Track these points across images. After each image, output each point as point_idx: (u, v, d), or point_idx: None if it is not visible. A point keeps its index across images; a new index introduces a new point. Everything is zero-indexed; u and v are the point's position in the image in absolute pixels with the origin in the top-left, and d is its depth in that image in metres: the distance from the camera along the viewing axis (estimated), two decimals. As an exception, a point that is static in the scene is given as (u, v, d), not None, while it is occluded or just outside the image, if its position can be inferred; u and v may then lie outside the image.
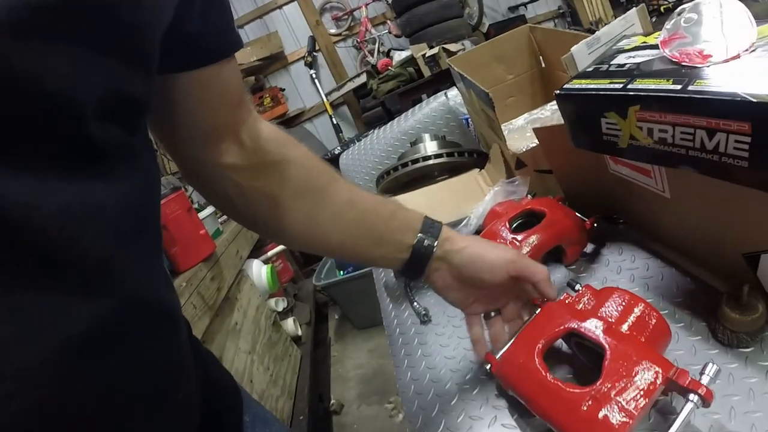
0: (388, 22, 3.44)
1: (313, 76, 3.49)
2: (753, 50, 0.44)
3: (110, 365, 0.29)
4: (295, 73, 3.61)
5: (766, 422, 0.45)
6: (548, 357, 0.56)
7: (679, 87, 0.45)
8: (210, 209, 1.94)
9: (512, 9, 3.99)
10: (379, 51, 3.39)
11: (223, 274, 1.69)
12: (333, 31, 3.56)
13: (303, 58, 3.51)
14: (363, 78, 3.00)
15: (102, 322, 0.28)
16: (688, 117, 0.44)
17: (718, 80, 0.43)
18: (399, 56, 2.79)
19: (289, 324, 2.24)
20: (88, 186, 0.28)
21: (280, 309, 2.23)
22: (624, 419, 0.43)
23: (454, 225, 0.86)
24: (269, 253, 2.40)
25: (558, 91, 0.60)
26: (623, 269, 0.71)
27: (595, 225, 0.76)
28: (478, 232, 0.81)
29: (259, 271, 2.15)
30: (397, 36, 3.30)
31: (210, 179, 0.50)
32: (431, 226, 0.57)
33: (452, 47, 2.42)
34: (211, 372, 0.49)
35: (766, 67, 0.41)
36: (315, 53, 3.52)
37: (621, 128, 0.53)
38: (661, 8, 3.16)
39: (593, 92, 0.55)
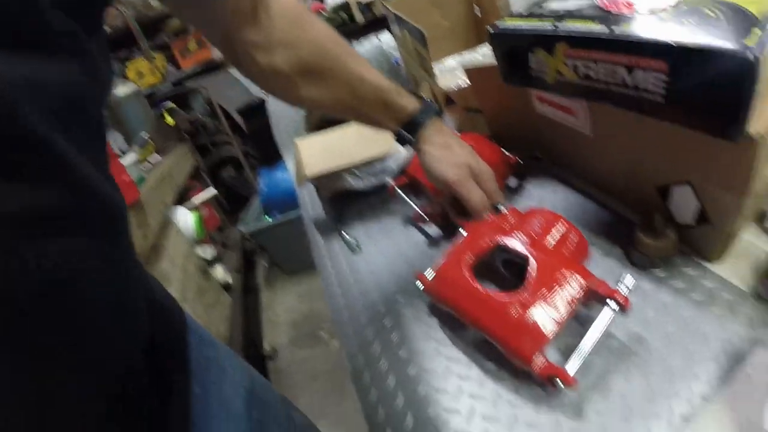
0: (322, -36, 3.30)
1: (242, 18, 3.32)
2: (676, 6, 0.48)
3: (54, 248, 0.29)
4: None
5: (679, 333, 0.51)
6: (483, 277, 0.60)
7: (605, 29, 0.48)
8: (132, 156, 1.85)
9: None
10: (312, -5, 3.26)
11: (148, 221, 1.64)
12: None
13: (233, 0, 3.32)
14: (295, 22, 2.90)
15: (43, 202, 0.28)
16: (612, 55, 0.48)
17: (640, 26, 0.46)
18: (333, 1, 2.70)
19: (219, 271, 2.22)
20: (34, 65, 0.28)
21: (208, 257, 2.20)
22: (551, 321, 0.47)
23: (383, 158, 0.88)
24: (195, 200, 2.33)
25: (490, 29, 0.63)
26: (545, 202, 0.76)
27: (520, 161, 0.80)
28: (406, 165, 0.83)
29: (185, 218, 2.10)
30: (331, -20, 3.19)
31: (239, 57, 0.57)
32: (415, 121, 0.66)
33: (387, -7, 2.38)
34: (155, 292, 0.50)
35: (686, 20, 0.44)
36: None
37: (548, 65, 0.57)
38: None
39: (524, 30, 0.58)
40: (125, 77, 2.79)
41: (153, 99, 2.82)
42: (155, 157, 2.19)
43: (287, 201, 2.23)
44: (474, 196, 0.63)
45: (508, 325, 0.49)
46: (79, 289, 0.31)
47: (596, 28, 0.49)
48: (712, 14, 0.44)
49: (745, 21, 0.42)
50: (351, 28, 2.46)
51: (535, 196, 0.78)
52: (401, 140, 0.68)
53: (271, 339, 2.31)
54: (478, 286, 0.53)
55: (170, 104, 2.66)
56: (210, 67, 3.32)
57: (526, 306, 0.49)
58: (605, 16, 0.51)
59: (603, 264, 0.61)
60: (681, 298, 0.55)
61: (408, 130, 0.66)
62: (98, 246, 0.33)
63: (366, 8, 2.41)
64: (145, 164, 2.07)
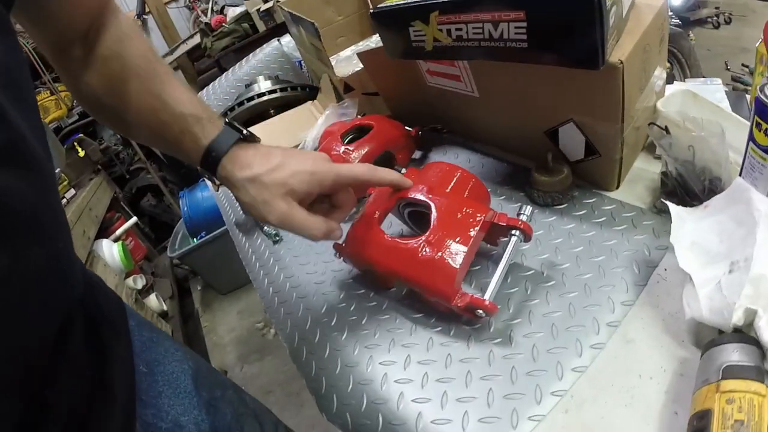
0: (222, -21, 3.28)
1: (143, 41, 3.23)
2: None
3: None
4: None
5: (587, 252, 0.57)
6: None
7: None
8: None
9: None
10: (212, 9, 3.23)
11: (72, 257, 1.57)
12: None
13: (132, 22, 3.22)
14: (196, 39, 2.86)
15: None
16: (477, 14, 0.54)
17: None
18: (233, 12, 2.69)
19: (152, 300, 2.16)
20: None
21: (139, 287, 2.13)
22: (458, 254, 0.51)
23: (294, 150, 0.90)
24: (117, 232, 2.26)
25: (372, 10, 0.68)
26: (451, 164, 0.81)
27: (420, 133, 0.85)
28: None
29: (110, 249, 2.03)
30: (231, -8, 3.17)
31: (65, 72, 0.53)
32: (222, 143, 0.52)
33: (286, 1, 2.40)
34: (94, 281, 0.51)
35: None
36: (145, 16, 3.26)
37: (425, 33, 0.62)
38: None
39: (401, 6, 0.63)
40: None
41: (60, 132, 2.69)
42: (71, 192, 2.10)
43: (211, 220, 2.20)
44: (306, 224, 0.51)
45: (420, 266, 0.53)
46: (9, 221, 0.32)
47: None
48: None
49: None
50: (254, 38, 2.46)
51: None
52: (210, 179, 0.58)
53: (219, 361, 2.26)
54: (388, 236, 0.57)
55: (80, 135, 2.55)
56: (115, 95, 3.20)
57: (432, 245, 0.53)
58: None
59: (509, 210, 0.66)
60: (584, 223, 0.61)
61: (207, 163, 0.52)
62: (28, 191, 0.34)
63: (266, 15, 2.42)
64: (63, 199, 1.98)
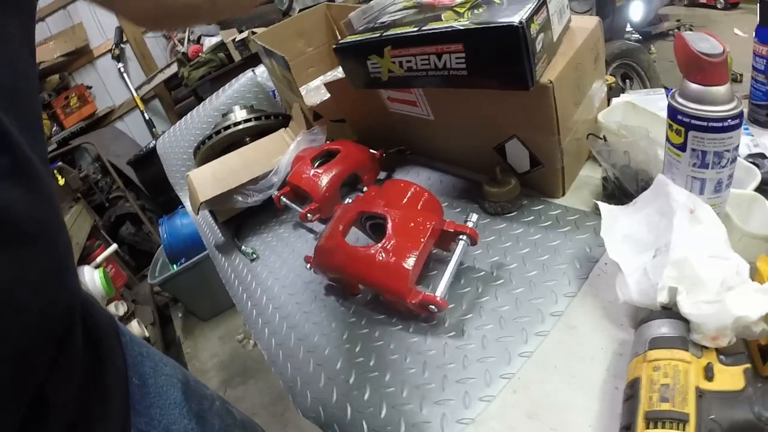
0: (196, 10, 3.33)
1: (122, 69, 3.27)
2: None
3: None
4: (102, 68, 3.34)
5: (533, 252, 0.64)
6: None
7: (416, 29, 0.63)
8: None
9: (322, -6, 4.08)
10: (189, 39, 3.30)
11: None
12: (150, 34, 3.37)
13: (110, 51, 3.26)
14: (174, 68, 2.92)
15: None
16: (423, 48, 0.63)
17: (442, 22, 0.61)
18: (209, 42, 2.77)
19: (134, 326, 2.17)
20: None
21: (121, 313, 2.15)
22: (409, 256, 0.59)
23: (267, 174, 0.97)
24: (98, 259, 2.28)
25: (335, 46, 0.76)
26: (410, 182, 0.89)
27: (384, 155, 0.92)
28: (287, 177, 0.93)
29: (92, 276, 2.05)
30: (207, 23, 3.23)
31: None
32: None
33: (261, 31, 2.48)
34: (89, 298, 0.53)
35: (477, 10, 0.60)
36: (123, 45, 3.30)
37: (381, 66, 0.70)
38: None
39: (359, 42, 0.71)
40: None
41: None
42: (50, 222, 2.12)
43: (191, 246, 2.22)
44: None
45: (378, 269, 0.60)
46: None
47: (409, 30, 0.64)
48: (498, 1, 0.60)
49: (523, 2, 0.57)
50: (230, 67, 2.53)
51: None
52: None
53: (201, 386, 2.27)
54: (349, 246, 0.64)
55: (60, 164, 2.58)
56: (94, 122, 3.23)
57: (387, 251, 0.60)
58: (420, 20, 0.65)
59: (462, 218, 0.70)
60: (531, 227, 0.68)
61: None
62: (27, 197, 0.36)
63: (242, 45, 2.50)
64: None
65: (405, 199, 0.66)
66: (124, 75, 3.26)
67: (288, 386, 0.66)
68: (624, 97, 0.82)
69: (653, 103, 0.80)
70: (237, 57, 2.55)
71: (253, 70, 1.49)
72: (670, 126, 0.51)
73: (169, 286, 2.44)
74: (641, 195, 0.55)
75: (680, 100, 0.49)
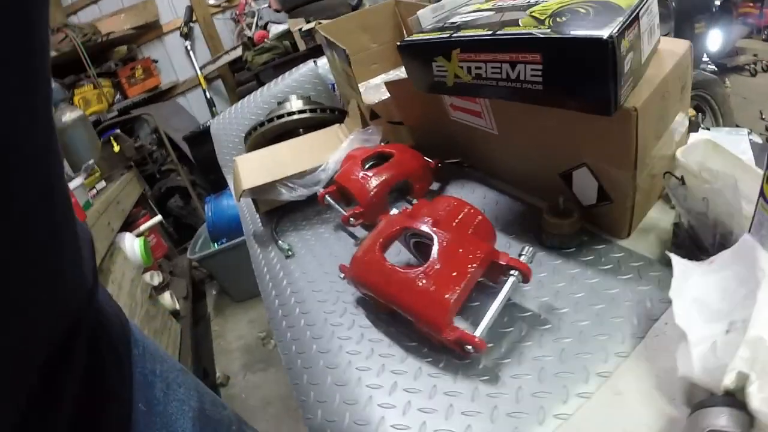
0: (270, -4, 3.39)
1: (188, 47, 3.35)
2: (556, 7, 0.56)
3: None
4: (170, 44, 3.44)
5: (588, 299, 0.57)
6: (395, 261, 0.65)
7: (489, 33, 0.57)
8: (79, 180, 1.84)
9: (392, -9, 4.06)
10: (257, 24, 3.33)
11: (95, 245, 1.62)
12: (212, 2, 3.43)
13: (179, 28, 3.35)
14: (239, 51, 2.96)
15: None
16: (496, 54, 0.56)
17: (520, 28, 0.55)
18: (276, 29, 2.78)
19: (166, 298, 2.20)
20: None
21: (155, 283, 2.18)
22: (453, 287, 0.53)
23: (314, 170, 0.93)
24: (141, 227, 2.32)
25: (399, 43, 0.71)
26: (464, 200, 0.83)
27: (440, 165, 0.87)
28: (335, 175, 0.89)
29: (132, 244, 2.09)
30: (276, 10, 3.26)
31: None
32: None
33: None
34: (100, 295, 0.47)
35: (560, 18, 0.53)
36: (192, 24, 3.38)
37: (447, 69, 0.64)
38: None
39: (425, 41, 0.66)
40: (71, 103, 2.76)
41: (99, 126, 2.80)
42: (101, 184, 2.18)
43: (234, 227, 2.24)
44: None
45: (415, 295, 0.54)
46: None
47: (482, 33, 0.58)
48: (583, 11, 0.53)
49: (611, 13, 0.50)
50: (293, 56, 2.53)
51: (456, 197, 0.85)
52: None
53: (224, 366, 2.29)
54: (388, 263, 0.59)
55: (117, 131, 2.65)
56: (156, 95, 3.33)
57: (429, 276, 0.54)
58: (494, 23, 0.59)
59: (517, 249, 0.67)
60: (589, 269, 0.60)
61: None
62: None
63: (308, 35, 2.49)
64: (92, 190, 2.06)
65: (456, 220, 0.60)
66: (191, 53, 3.33)
67: (300, 399, 0.62)
68: (703, 134, 0.74)
69: (734, 144, 0.72)
70: (302, 46, 2.55)
71: (314, 61, 1.47)
72: (767, 179, 0.44)
73: (207, 263, 2.48)
74: (720, 255, 0.48)
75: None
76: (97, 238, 1.68)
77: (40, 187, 0.32)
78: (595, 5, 0.53)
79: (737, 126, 2.22)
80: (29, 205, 0.31)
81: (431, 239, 0.57)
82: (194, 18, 3.34)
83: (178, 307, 2.26)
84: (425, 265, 0.55)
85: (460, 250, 0.56)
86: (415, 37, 0.69)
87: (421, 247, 0.64)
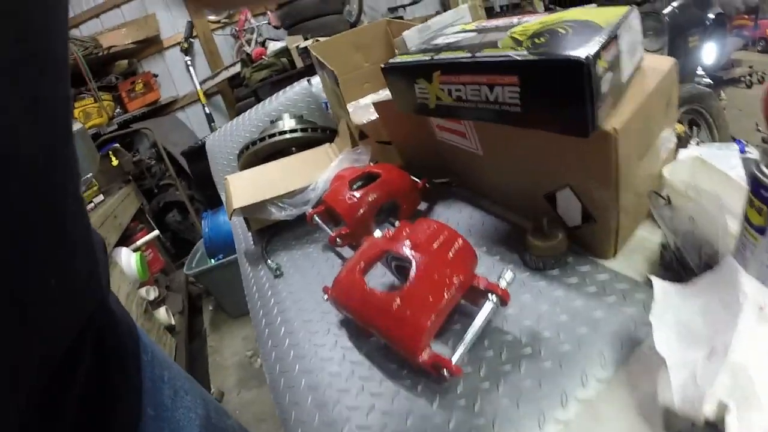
0: (268, 12, 3.42)
1: (189, 63, 3.39)
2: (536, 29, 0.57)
3: None
4: (170, 59, 3.47)
5: (570, 323, 0.56)
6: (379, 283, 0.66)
7: (469, 55, 0.57)
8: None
9: (392, 10, 4.09)
10: (256, 41, 3.37)
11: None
12: (212, 18, 3.48)
13: (179, 44, 3.39)
14: (238, 67, 2.98)
15: None
16: (474, 76, 0.57)
17: (498, 50, 0.55)
18: (274, 46, 2.81)
19: (161, 313, 2.20)
20: None
21: (151, 298, 2.17)
22: (427, 313, 0.53)
23: (304, 190, 0.94)
24: (138, 242, 2.32)
25: (383, 65, 0.71)
26: (450, 219, 0.83)
27: (427, 185, 0.87)
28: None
29: (128, 258, 2.09)
30: (276, 27, 3.30)
31: None
32: None
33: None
34: (110, 301, 0.47)
35: (538, 39, 0.53)
36: (192, 39, 3.42)
37: (429, 91, 0.65)
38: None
39: (408, 64, 0.67)
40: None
41: (98, 139, 2.82)
42: (99, 198, 2.18)
43: (230, 243, 2.21)
44: None
45: (391, 319, 0.54)
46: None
47: (462, 55, 0.58)
48: (562, 31, 0.53)
49: (591, 33, 0.50)
50: (291, 73, 2.55)
51: (443, 217, 0.86)
52: None
53: (219, 382, 2.28)
54: (367, 287, 0.59)
55: (116, 145, 2.66)
56: (156, 109, 3.35)
57: (405, 300, 0.54)
58: (475, 45, 0.59)
59: (500, 269, 0.65)
60: (573, 292, 0.59)
61: None
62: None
63: (305, 52, 2.52)
64: (89, 204, 2.06)
65: (436, 243, 0.60)
66: (190, 68, 3.36)
67: (283, 417, 0.62)
68: (692, 150, 0.72)
69: (725, 159, 0.69)
70: (299, 64, 2.58)
71: (308, 80, 1.48)
72: (750, 202, 0.43)
73: (204, 278, 2.48)
74: (703, 277, 0.47)
75: (767, 171, 0.41)
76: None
77: (42, 189, 0.32)
78: (574, 25, 0.53)
79: (733, 139, 2.22)
80: (30, 205, 0.30)
81: (409, 262, 0.58)
82: (194, 33, 3.38)
83: (173, 322, 2.25)
84: (401, 289, 0.55)
85: (436, 276, 0.56)
86: (399, 59, 0.70)
87: (402, 270, 0.64)
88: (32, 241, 0.31)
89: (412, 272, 0.56)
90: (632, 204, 0.62)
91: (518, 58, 0.51)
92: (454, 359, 0.51)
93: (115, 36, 2.99)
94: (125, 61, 3.19)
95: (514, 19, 0.64)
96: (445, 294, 0.54)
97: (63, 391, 0.36)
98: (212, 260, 2.46)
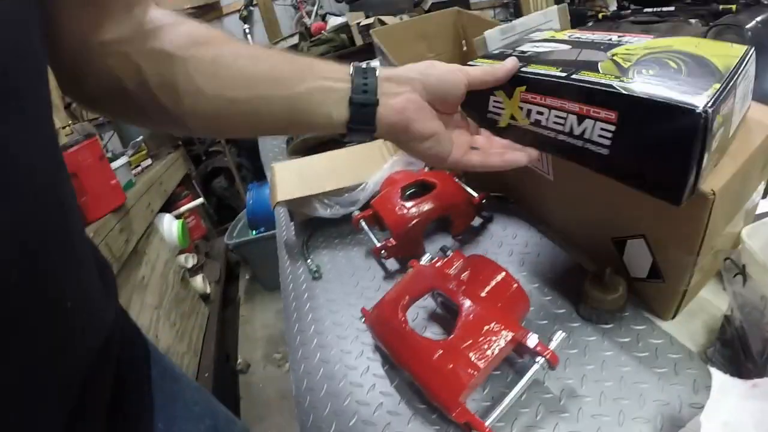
0: (331, -16, 3.36)
1: (246, 30, 3.37)
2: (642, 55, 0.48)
3: None
4: (228, 26, 3.44)
5: (615, 390, 0.51)
6: (428, 318, 0.62)
7: (564, 74, 0.48)
8: (123, 159, 1.86)
9: (455, -8, 3.97)
10: (316, 13, 3.31)
11: (132, 226, 1.65)
12: (274, -14, 3.44)
13: (239, 11, 3.37)
14: (296, 39, 2.94)
15: None
16: (564, 101, 0.47)
17: (598, 75, 0.46)
18: (334, 21, 2.74)
19: (198, 281, 2.22)
20: None
21: (189, 265, 2.19)
22: (470, 371, 0.48)
23: (353, 189, 0.89)
24: (182, 209, 2.34)
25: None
26: (504, 243, 0.77)
27: (484, 201, 0.81)
28: (374, 197, 0.85)
29: (170, 225, 2.10)
30: (337, 1, 3.23)
31: (93, 62, 0.42)
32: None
33: (388, 20, 2.41)
34: (121, 320, 0.46)
35: (646, 70, 0.45)
36: (252, 7, 3.39)
37: (505, 107, 0.55)
38: (599, 15, 3.22)
39: None
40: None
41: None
42: (147, 162, 2.20)
43: (273, 217, 2.21)
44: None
45: (430, 369, 0.50)
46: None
47: (554, 72, 0.49)
48: (674, 65, 0.44)
49: (706, 75, 0.42)
50: (350, 50, 2.49)
51: (496, 237, 0.80)
52: (358, 87, 0.46)
53: (247, 353, 2.30)
54: (408, 327, 0.54)
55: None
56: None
57: (448, 352, 0.50)
58: (570, 62, 0.51)
59: (550, 314, 0.62)
60: (624, 354, 0.54)
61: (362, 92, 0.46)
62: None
63: (366, 30, 2.44)
64: (135, 168, 2.08)
65: (488, 287, 0.55)
66: (248, 36, 3.34)
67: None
68: None
69: None
70: (359, 41, 2.50)
71: (368, 63, 1.41)
72: None
73: (243, 249, 2.49)
74: (766, 380, 0.40)
75: None
76: (136, 219, 1.69)
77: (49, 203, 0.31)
78: (687, 60, 0.45)
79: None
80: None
81: (458, 308, 0.52)
82: (255, 1, 3.35)
83: (209, 291, 2.27)
84: (446, 339, 0.51)
85: (485, 328, 0.51)
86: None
87: (448, 306, 0.59)
88: (45, 259, 0.30)
89: (460, 321, 0.51)
90: (707, 265, 0.55)
91: (623, 92, 0.42)
92: (489, 422, 0.47)
93: (174, 1, 2.99)
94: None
95: (613, 36, 0.55)
96: (492, 353, 0.49)
97: (90, 412, 0.36)
98: (254, 232, 2.47)
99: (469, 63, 0.62)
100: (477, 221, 0.84)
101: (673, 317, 0.58)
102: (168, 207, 2.24)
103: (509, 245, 0.77)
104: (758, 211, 0.61)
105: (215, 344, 2.03)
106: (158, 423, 0.46)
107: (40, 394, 0.30)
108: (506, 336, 0.50)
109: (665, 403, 0.48)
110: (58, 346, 0.32)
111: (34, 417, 0.30)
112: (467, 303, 0.53)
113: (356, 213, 0.84)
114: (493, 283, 0.56)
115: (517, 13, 3.91)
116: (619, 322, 0.58)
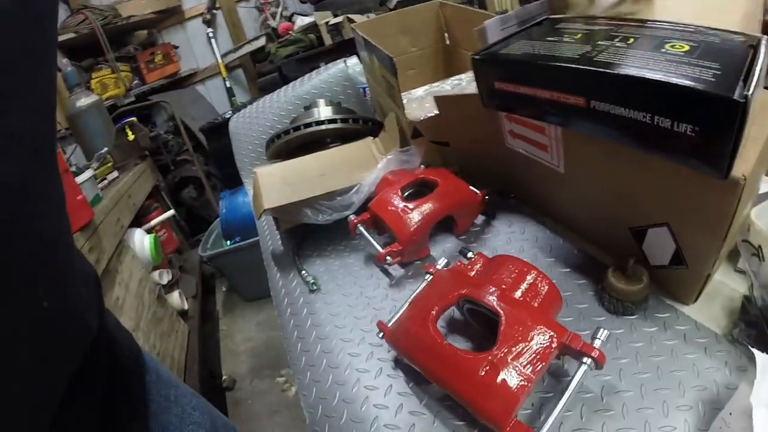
0: (294, -14, 3.29)
1: (210, 35, 3.27)
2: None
3: None
4: (192, 30, 3.35)
5: (653, 383, 0.49)
6: (446, 326, 0.57)
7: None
8: (89, 173, 1.75)
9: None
10: (281, 15, 3.23)
11: (102, 244, 1.55)
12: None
13: (201, 15, 3.27)
14: (262, 41, 2.86)
15: None
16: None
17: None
18: (301, 21, 2.67)
19: (175, 298, 2.12)
20: None
21: (164, 282, 2.09)
22: (522, 382, 0.44)
23: (345, 192, 0.83)
24: (152, 222, 2.24)
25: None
26: (513, 240, 0.73)
27: (487, 198, 0.76)
28: (369, 199, 0.79)
29: (141, 241, 2.00)
30: (302, 1, 3.17)
31: None
32: None
33: (357, 18, 2.36)
34: (110, 327, 0.47)
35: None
36: (215, 11, 3.30)
37: None
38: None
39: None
40: (88, 87, 2.68)
41: (114, 111, 2.73)
42: (113, 175, 2.09)
43: (248, 226, 2.16)
44: None
45: (477, 386, 0.45)
46: None
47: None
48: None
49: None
50: (319, 50, 2.43)
51: (502, 235, 0.75)
52: None
53: (231, 368, 2.21)
54: (445, 343, 0.49)
55: (133, 119, 2.56)
56: (175, 82, 3.25)
57: (495, 366, 0.45)
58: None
59: (573, 309, 0.58)
60: (654, 343, 0.52)
61: None
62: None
63: (334, 29, 2.38)
64: (102, 182, 1.97)
65: (521, 289, 0.50)
66: (212, 41, 3.26)
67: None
68: None
69: None
70: (328, 41, 2.44)
71: (345, 61, 1.36)
72: None
73: (218, 261, 2.40)
74: None
75: None
76: (105, 236, 1.59)
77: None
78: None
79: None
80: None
81: (498, 318, 0.47)
82: (217, 5, 3.25)
83: (186, 307, 2.17)
84: (489, 352, 0.46)
85: (532, 335, 0.46)
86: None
87: (476, 314, 0.54)
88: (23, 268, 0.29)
89: (502, 330, 0.46)
90: (726, 250, 0.54)
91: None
92: None
93: (135, 5, 2.88)
94: (144, 32, 3.09)
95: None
96: (542, 360, 0.45)
97: (76, 422, 0.37)
98: (228, 242, 2.38)
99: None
100: (479, 219, 0.79)
101: (695, 301, 0.56)
102: (137, 221, 2.13)
103: (518, 241, 0.72)
104: (760, 191, 0.59)
105: (198, 362, 1.93)
106: (155, 430, 0.47)
107: (22, 395, 0.30)
108: (553, 339, 0.46)
109: (703, 388, 0.47)
110: (36, 348, 0.31)
111: (19, 418, 0.30)
112: (505, 308, 0.48)
113: (352, 218, 0.78)
114: (526, 284, 0.51)
115: (482, 8, 3.92)
116: (644, 312, 0.57)
